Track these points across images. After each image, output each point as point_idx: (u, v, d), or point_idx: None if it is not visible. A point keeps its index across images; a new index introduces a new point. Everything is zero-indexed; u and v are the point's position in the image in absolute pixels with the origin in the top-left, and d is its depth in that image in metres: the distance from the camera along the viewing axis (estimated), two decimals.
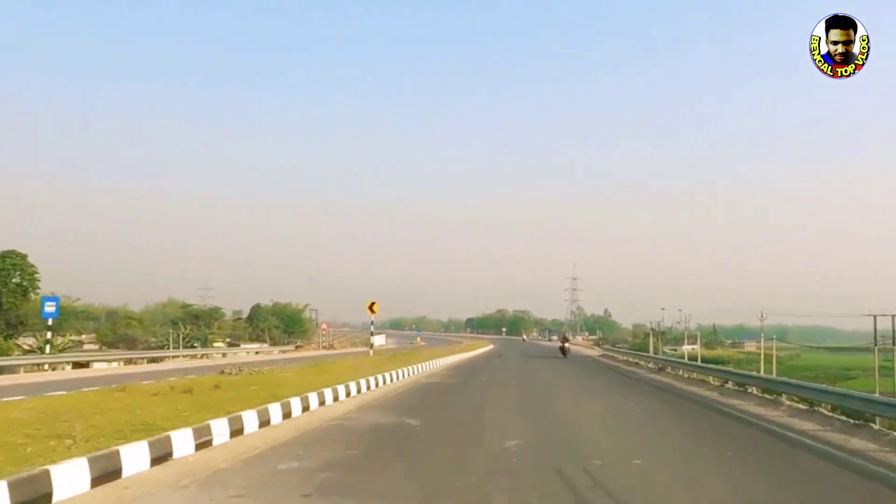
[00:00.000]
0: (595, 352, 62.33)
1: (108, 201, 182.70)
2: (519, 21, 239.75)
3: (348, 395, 16.64)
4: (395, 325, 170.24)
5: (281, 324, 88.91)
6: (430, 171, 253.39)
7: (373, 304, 30.34)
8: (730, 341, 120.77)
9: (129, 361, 41.81)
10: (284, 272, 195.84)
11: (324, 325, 72.87)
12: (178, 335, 66.01)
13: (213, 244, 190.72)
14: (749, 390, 18.39)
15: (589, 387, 22.87)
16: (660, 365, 30.36)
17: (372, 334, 34.16)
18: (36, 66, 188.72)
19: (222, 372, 19.42)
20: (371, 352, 31.46)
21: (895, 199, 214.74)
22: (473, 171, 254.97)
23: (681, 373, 26.33)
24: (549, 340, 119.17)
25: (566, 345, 48.39)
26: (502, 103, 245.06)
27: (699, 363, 27.77)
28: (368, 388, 18.46)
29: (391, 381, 21.17)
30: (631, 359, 40.23)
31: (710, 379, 22.27)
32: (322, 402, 14.74)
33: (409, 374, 23.84)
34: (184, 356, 49.11)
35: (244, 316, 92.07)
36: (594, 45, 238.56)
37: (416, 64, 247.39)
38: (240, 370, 19.47)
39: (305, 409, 13.69)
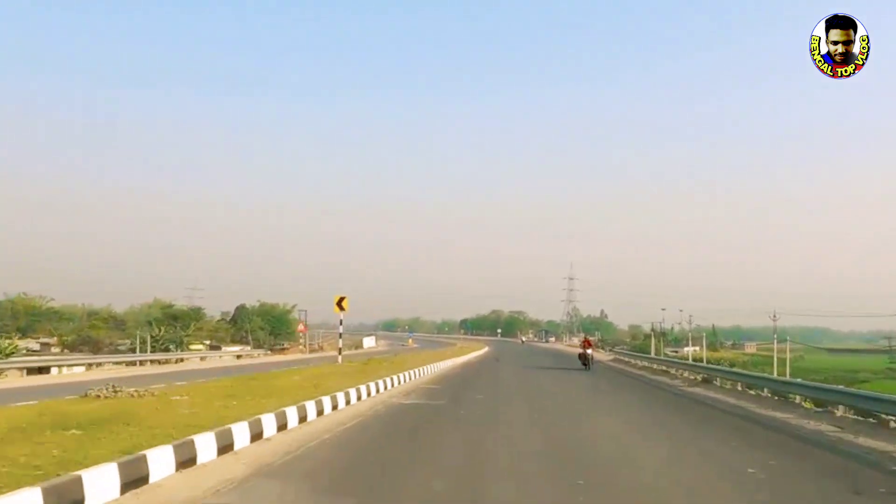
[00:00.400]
0: (602, 355, 55.19)
1: (104, 201, 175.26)
2: (517, 21, 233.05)
3: (257, 437, 9.65)
4: (389, 327, 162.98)
5: (267, 325, 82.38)
6: (425, 171, 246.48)
7: (342, 299, 23.39)
8: (730, 342, 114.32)
9: (90, 366, 35.32)
10: (279, 273, 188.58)
11: (301, 327, 66.25)
12: (153, 337, 60.01)
13: (211, 245, 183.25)
14: (892, 423, 11.48)
15: (642, 419, 14.57)
16: (703, 375, 23.38)
17: (340, 336, 26.81)
18: (32, 68, 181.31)
19: (86, 394, 12.44)
20: (340, 358, 24.32)
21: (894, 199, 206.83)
22: (469, 172, 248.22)
23: (739, 387, 19.35)
24: (546, 342, 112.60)
25: (589, 351, 33.00)
26: (499, 103, 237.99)
27: (783, 377, 20.33)
28: (303, 419, 11.49)
29: (348, 403, 14.21)
30: (655, 365, 32.97)
31: (797, 398, 15.37)
32: (187, 462, 7.77)
33: (377, 391, 16.86)
34: (152, 361, 42.91)
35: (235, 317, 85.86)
36: (594, 46, 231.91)
37: (414, 63, 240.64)
38: (115, 392, 12.47)
39: (139, 480, 6.76)
